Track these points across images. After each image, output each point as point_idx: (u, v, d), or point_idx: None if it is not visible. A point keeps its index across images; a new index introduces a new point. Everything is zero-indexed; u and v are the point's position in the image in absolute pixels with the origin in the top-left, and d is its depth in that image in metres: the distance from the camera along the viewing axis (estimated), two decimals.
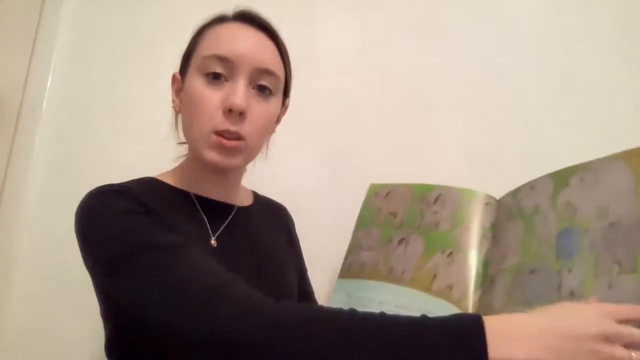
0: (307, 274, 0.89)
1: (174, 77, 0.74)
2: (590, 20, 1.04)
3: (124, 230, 0.57)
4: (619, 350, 0.44)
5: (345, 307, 0.60)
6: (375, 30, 1.12)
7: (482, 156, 1.04)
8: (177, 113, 0.75)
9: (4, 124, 1.12)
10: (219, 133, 0.65)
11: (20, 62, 1.14)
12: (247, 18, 0.70)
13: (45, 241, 1.10)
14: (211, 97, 0.65)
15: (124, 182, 0.66)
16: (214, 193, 0.73)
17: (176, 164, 0.77)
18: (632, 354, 0.45)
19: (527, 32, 1.06)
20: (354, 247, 0.79)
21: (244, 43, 0.67)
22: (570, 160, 1.02)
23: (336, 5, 1.14)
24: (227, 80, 0.66)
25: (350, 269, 0.76)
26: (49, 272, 1.09)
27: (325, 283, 0.89)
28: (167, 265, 0.53)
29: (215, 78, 0.65)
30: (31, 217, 1.12)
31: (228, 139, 0.65)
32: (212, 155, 0.66)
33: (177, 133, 0.77)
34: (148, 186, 0.68)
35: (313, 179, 1.08)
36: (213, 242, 0.69)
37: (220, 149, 0.65)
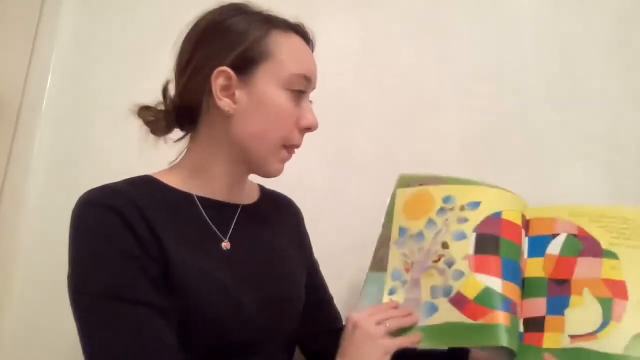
0: (318, 268, 0.87)
1: (223, 72, 0.66)
2: (590, 20, 1.04)
3: (98, 268, 0.59)
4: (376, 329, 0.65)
5: (378, 301, 0.73)
6: (375, 30, 1.12)
7: (483, 156, 1.04)
8: (217, 111, 0.68)
9: (4, 124, 1.12)
10: (291, 147, 0.71)
11: (20, 62, 1.14)
12: (308, 37, 0.74)
13: (45, 241, 1.10)
14: (293, 114, 0.69)
15: (122, 185, 0.65)
16: (219, 193, 0.72)
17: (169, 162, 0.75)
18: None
19: (527, 32, 1.06)
20: (385, 240, 0.79)
21: (315, 65, 0.73)
22: (570, 160, 1.02)
23: (336, 5, 1.14)
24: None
25: (382, 262, 0.77)
26: (49, 272, 1.09)
27: (328, 281, 0.89)
28: (121, 328, 0.56)
29: (298, 97, 0.69)
30: (31, 217, 1.12)
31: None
32: (279, 167, 0.71)
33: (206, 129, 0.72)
34: (147, 189, 0.66)
35: (313, 178, 1.08)
36: (225, 244, 0.69)
37: (284, 162, 0.72)
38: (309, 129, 0.71)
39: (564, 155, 1.01)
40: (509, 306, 0.65)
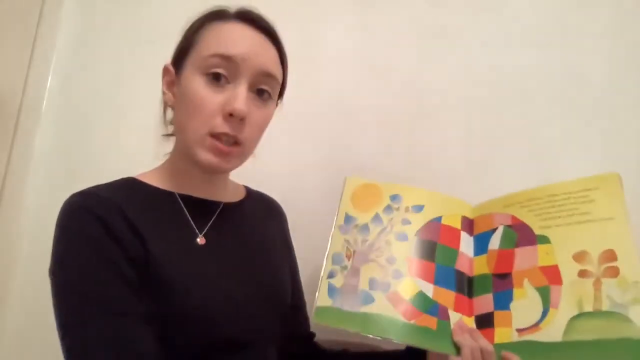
0: (298, 273, 0.87)
1: (166, 69, 0.70)
2: (591, 20, 1.04)
3: (78, 273, 0.60)
4: None
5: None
6: (376, 31, 1.12)
7: (483, 156, 1.04)
8: (166, 106, 0.73)
9: (4, 124, 1.12)
10: (216, 136, 0.64)
11: (20, 62, 1.14)
12: (250, 19, 0.68)
13: (45, 241, 1.10)
14: (212, 99, 0.64)
15: (105, 188, 0.65)
16: (200, 191, 0.72)
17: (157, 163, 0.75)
18: None
19: (528, 32, 1.06)
20: None
21: (248, 44, 0.66)
22: (570, 161, 1.02)
23: (336, 5, 1.14)
24: (228, 82, 0.65)
25: None
26: None
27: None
28: (98, 336, 0.57)
29: (216, 79, 0.64)
30: (31, 217, 1.12)
31: (225, 143, 0.65)
32: (207, 157, 0.65)
33: (165, 125, 0.76)
34: (130, 190, 0.67)
35: (312, 179, 1.07)
36: (200, 239, 0.68)
37: (216, 152, 0.65)
38: (231, 115, 0.63)
39: (564, 155, 1.01)
40: (437, 311, 0.69)
